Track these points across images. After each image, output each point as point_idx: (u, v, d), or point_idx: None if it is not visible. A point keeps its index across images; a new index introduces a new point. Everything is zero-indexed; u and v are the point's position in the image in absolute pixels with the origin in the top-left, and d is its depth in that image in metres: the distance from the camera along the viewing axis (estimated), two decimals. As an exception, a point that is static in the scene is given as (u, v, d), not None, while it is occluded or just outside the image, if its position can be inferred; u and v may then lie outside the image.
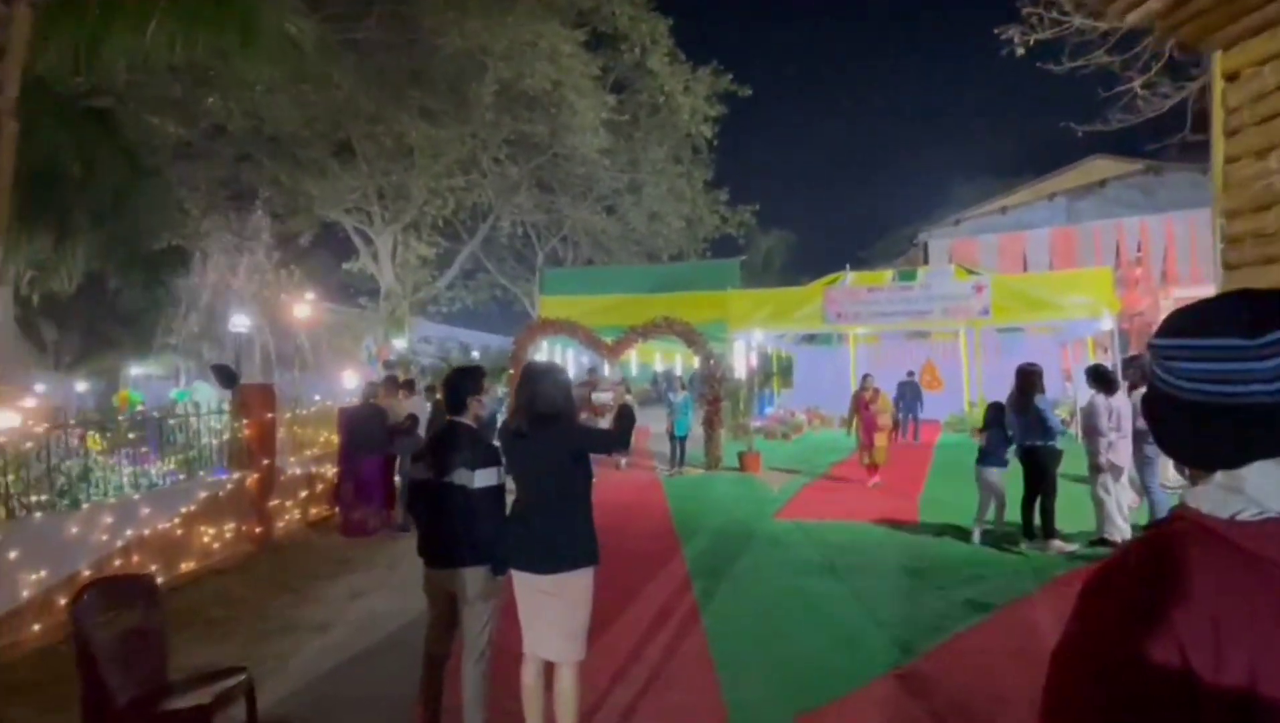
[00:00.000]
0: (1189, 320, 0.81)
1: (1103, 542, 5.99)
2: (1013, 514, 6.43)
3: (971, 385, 16.74)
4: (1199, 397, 0.78)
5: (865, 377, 10.00)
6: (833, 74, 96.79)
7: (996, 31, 9.13)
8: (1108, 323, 15.07)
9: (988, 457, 6.50)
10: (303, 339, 17.41)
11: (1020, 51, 9.07)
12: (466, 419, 3.13)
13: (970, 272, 17.19)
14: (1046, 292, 15.95)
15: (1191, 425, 0.80)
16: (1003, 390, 16.56)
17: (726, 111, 21.79)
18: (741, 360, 17.50)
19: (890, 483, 9.40)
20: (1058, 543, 5.94)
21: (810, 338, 21.53)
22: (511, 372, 12.98)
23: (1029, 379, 6.16)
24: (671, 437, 11.44)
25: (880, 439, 9.49)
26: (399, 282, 22.55)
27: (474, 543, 2.96)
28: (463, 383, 3.17)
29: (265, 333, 24.01)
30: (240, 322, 12.18)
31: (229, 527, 6.15)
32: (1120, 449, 5.89)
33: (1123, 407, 5.92)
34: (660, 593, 5.27)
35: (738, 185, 25.87)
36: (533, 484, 2.94)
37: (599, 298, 18.04)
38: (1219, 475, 0.77)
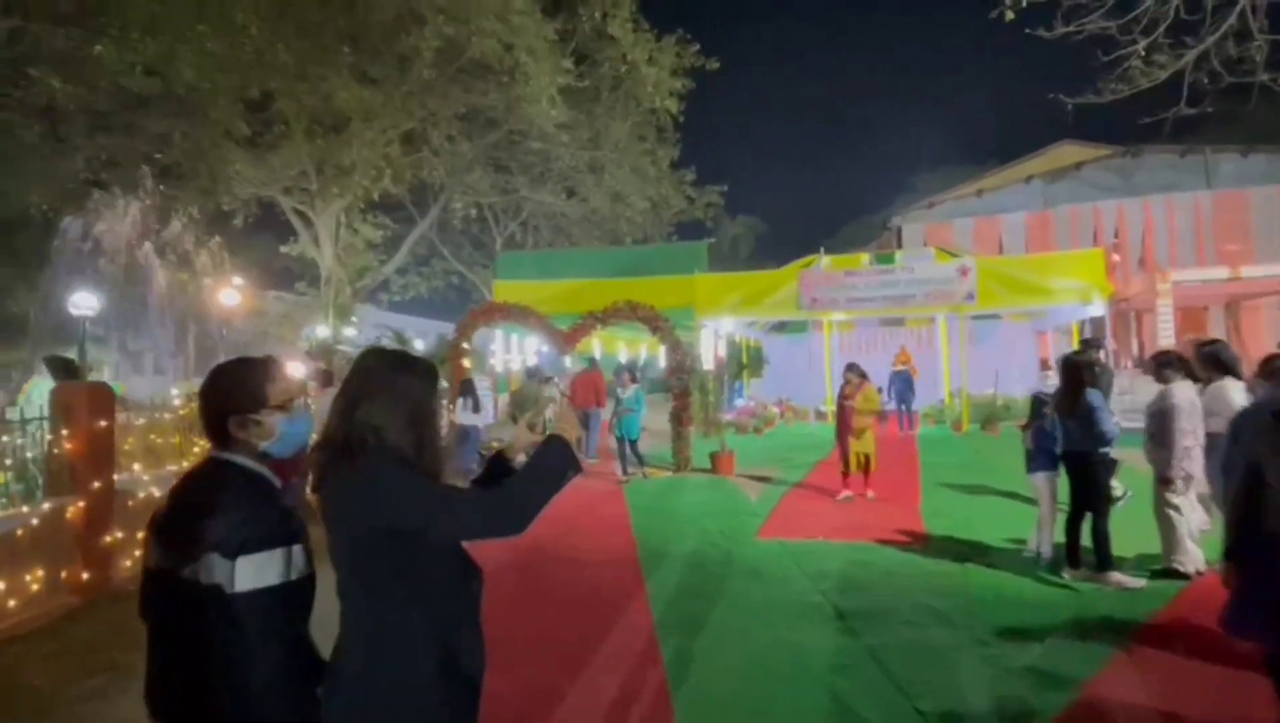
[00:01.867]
0: None
1: (1170, 573, 4.82)
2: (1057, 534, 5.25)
3: (953, 375, 15.68)
4: None
5: (848, 367, 8.31)
6: (796, 55, 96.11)
7: None
8: (1099, 308, 14.14)
9: (1034, 459, 5.39)
10: (224, 329, 15.58)
11: (1010, 16, 8.20)
12: (239, 457, 1.69)
13: (951, 255, 16.16)
14: (1034, 275, 14.95)
15: None
16: (983, 380, 15.55)
17: (693, 86, 20.36)
18: (710, 349, 16.27)
19: (882, 489, 8.14)
20: (1117, 576, 4.73)
21: (781, 326, 20.36)
22: (449, 365, 11.42)
23: (1078, 371, 4.92)
24: (618, 440, 9.84)
25: (859, 444, 7.83)
26: (341, 266, 20.76)
27: (230, 694, 1.53)
28: (222, 390, 1.69)
29: (191, 323, 22.01)
30: (84, 303, 10.33)
31: (36, 574, 4.59)
32: (1195, 457, 4.70)
33: (1196, 406, 4.73)
34: (618, 660, 3.92)
35: (702, 169, 24.42)
36: (340, 586, 1.55)
37: (558, 283, 16.67)
38: None
